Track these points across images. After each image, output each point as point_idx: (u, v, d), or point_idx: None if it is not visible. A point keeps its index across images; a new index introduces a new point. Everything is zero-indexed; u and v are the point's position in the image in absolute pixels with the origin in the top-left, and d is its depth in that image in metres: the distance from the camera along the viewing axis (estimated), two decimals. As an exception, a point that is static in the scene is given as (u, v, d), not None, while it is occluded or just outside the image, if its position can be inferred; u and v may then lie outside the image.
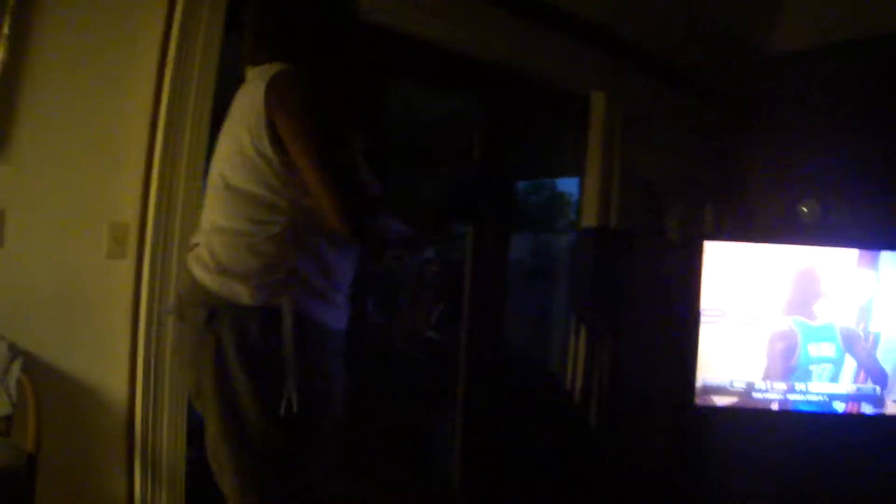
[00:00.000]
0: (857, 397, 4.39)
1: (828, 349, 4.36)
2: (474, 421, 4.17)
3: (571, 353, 4.31)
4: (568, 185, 5.29)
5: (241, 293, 1.87)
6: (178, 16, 2.87)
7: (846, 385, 4.38)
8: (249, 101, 1.94)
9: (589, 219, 4.40)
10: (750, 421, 4.39)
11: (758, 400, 4.36)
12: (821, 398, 4.38)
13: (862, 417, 4.40)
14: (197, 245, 2.01)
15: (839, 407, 4.38)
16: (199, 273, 1.95)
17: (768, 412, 4.37)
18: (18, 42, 2.56)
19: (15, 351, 2.54)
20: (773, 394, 4.37)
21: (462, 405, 4.23)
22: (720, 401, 4.35)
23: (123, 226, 2.85)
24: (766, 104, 5.04)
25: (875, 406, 4.38)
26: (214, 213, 1.98)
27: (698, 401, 4.34)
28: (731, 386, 4.36)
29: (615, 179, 4.43)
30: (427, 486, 4.27)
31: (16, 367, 2.52)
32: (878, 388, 4.37)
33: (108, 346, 2.86)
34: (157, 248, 2.85)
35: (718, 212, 4.70)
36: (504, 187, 4.47)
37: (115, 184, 2.86)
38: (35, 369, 2.61)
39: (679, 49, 4.65)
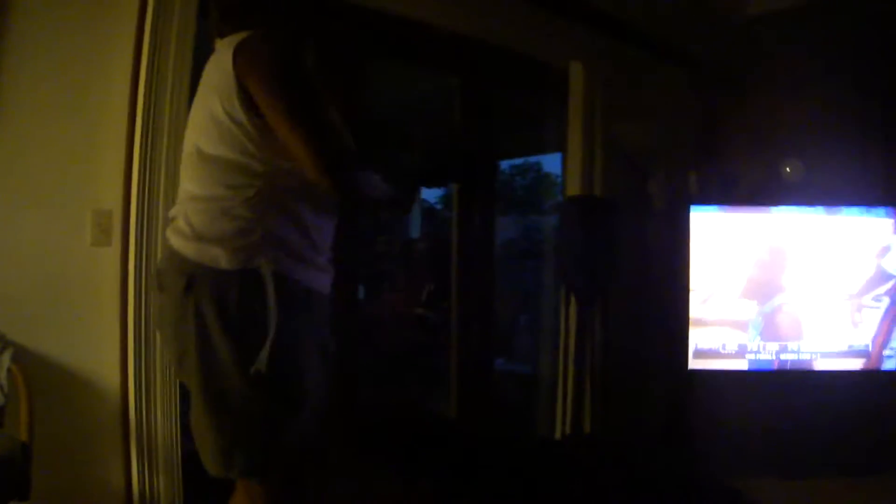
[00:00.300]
0: (848, 353, 4.40)
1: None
2: (466, 395, 4.20)
3: (563, 324, 4.31)
4: (553, 166, 5.28)
5: (219, 257, 1.86)
6: (151, 3, 2.87)
7: (838, 343, 4.40)
8: (218, 68, 1.93)
9: (573, 189, 4.39)
10: (743, 382, 4.40)
11: (751, 361, 4.37)
12: (813, 357, 4.39)
13: (854, 374, 4.42)
14: (175, 218, 2.00)
15: (832, 365, 4.39)
16: (177, 242, 1.93)
17: (761, 373, 4.39)
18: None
19: (4, 341, 2.54)
20: (765, 354, 4.38)
21: (455, 381, 4.26)
22: (713, 364, 4.37)
23: (107, 213, 2.85)
24: (746, 66, 5.04)
25: (867, 362, 4.40)
26: (190, 182, 1.96)
27: (691, 365, 4.35)
28: (724, 349, 4.37)
29: (598, 149, 4.42)
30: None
31: (6, 358, 2.51)
32: (869, 345, 4.38)
33: (98, 333, 2.85)
34: (141, 234, 2.85)
35: (702, 177, 4.71)
36: (487, 155, 4.46)
37: (96, 172, 2.85)
38: (26, 359, 2.61)
39: (656, 15, 4.65)
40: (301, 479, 2.09)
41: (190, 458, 2.90)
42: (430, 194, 8.30)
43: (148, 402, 2.88)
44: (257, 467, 1.92)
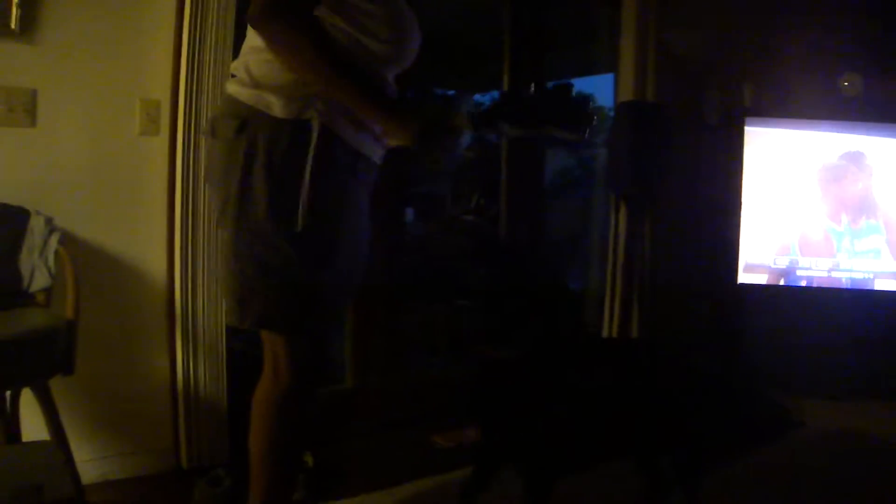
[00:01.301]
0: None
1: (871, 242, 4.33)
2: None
3: (612, 232, 4.26)
4: (606, 96, 5.13)
5: (273, 104, 1.83)
6: None
7: (891, 263, 4.32)
8: None
9: (626, 96, 4.31)
10: (792, 299, 4.35)
11: (800, 277, 4.31)
12: (865, 276, 4.32)
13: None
14: (236, 70, 1.96)
15: (885, 285, 4.32)
16: (234, 89, 1.91)
17: (811, 289, 4.33)
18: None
19: (52, 225, 2.56)
20: (816, 271, 4.32)
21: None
22: (762, 279, 4.32)
23: (155, 103, 2.85)
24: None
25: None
26: (254, 37, 1.90)
27: (741, 279, 4.30)
28: (774, 264, 4.31)
29: (651, 57, 4.32)
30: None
31: (53, 241, 2.53)
32: (924, 265, 4.30)
33: (145, 222, 2.88)
34: (189, 124, 2.84)
35: (757, 89, 4.60)
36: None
37: (145, 62, 2.85)
38: (74, 245, 2.64)
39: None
40: (324, 339, 2.09)
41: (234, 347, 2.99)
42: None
43: (194, 290, 2.90)
44: (271, 318, 1.92)
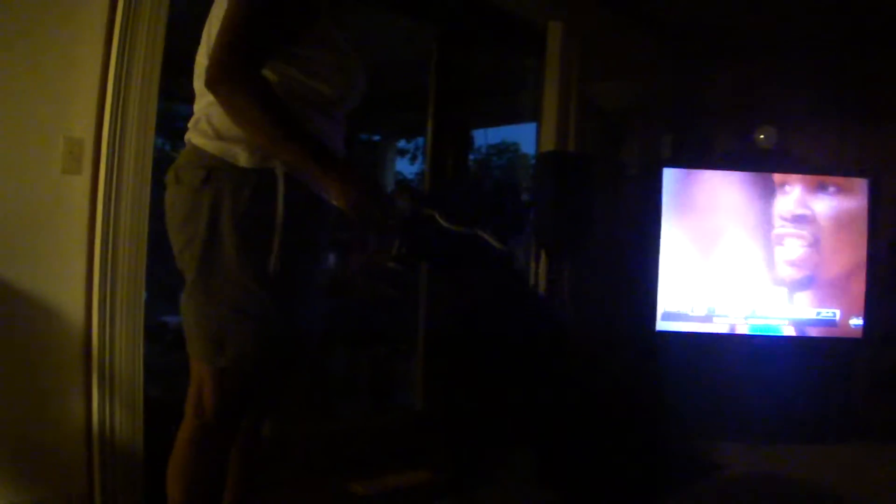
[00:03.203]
0: (816, 322, 4.45)
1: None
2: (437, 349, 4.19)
3: (532, 280, 4.31)
4: (530, 146, 5.21)
5: (239, 155, 1.91)
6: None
7: (806, 310, 4.44)
8: None
9: (547, 146, 4.38)
10: (710, 346, 4.44)
11: (718, 325, 4.41)
12: (781, 323, 4.44)
13: (821, 341, 4.46)
14: (197, 120, 2.02)
15: (798, 331, 4.44)
16: (198, 140, 1.98)
17: (728, 337, 4.43)
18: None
19: (-32, 266, 2.50)
20: (733, 319, 4.42)
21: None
22: (681, 327, 4.40)
23: (79, 141, 2.80)
24: (723, 32, 5.04)
25: (834, 330, 4.45)
26: (208, 95, 1.94)
27: (659, 327, 4.39)
28: (692, 312, 4.41)
29: (573, 109, 4.42)
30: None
31: (-32, 281, 2.47)
32: (837, 313, 4.43)
33: (64, 261, 2.79)
34: (112, 163, 2.80)
35: (677, 140, 4.72)
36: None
37: (70, 100, 2.79)
38: (-12, 285, 2.57)
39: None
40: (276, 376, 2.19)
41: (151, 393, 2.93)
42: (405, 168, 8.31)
43: (112, 334, 2.83)
44: (246, 357, 1.96)
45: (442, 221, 2.25)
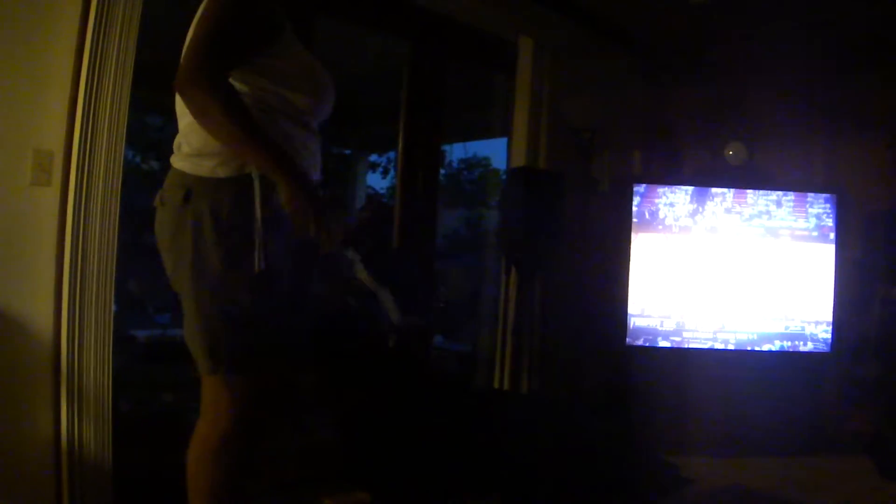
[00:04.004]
0: (785, 336, 4.49)
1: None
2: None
3: (502, 296, 4.32)
4: (501, 161, 5.25)
5: (215, 167, 1.96)
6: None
7: (774, 324, 4.48)
8: None
9: (518, 162, 4.41)
10: (680, 360, 4.46)
11: (688, 339, 4.44)
12: (750, 337, 4.47)
13: (790, 355, 4.50)
14: (178, 145, 2.08)
15: (767, 346, 4.48)
16: (179, 163, 2.04)
17: (697, 351, 4.45)
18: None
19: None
20: (702, 333, 4.45)
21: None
22: (650, 341, 4.43)
23: (48, 153, 2.79)
24: (693, 50, 5.09)
25: (802, 344, 4.49)
26: (187, 115, 2.00)
27: (629, 341, 4.41)
28: (661, 326, 4.43)
29: (543, 125, 4.44)
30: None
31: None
32: (805, 327, 4.48)
33: (32, 274, 2.77)
34: (82, 175, 2.79)
35: (646, 156, 4.76)
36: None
37: (40, 112, 2.77)
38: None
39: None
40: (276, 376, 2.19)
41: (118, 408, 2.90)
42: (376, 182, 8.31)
43: (80, 348, 2.81)
44: (241, 363, 2.00)
45: (359, 272, 2.32)
